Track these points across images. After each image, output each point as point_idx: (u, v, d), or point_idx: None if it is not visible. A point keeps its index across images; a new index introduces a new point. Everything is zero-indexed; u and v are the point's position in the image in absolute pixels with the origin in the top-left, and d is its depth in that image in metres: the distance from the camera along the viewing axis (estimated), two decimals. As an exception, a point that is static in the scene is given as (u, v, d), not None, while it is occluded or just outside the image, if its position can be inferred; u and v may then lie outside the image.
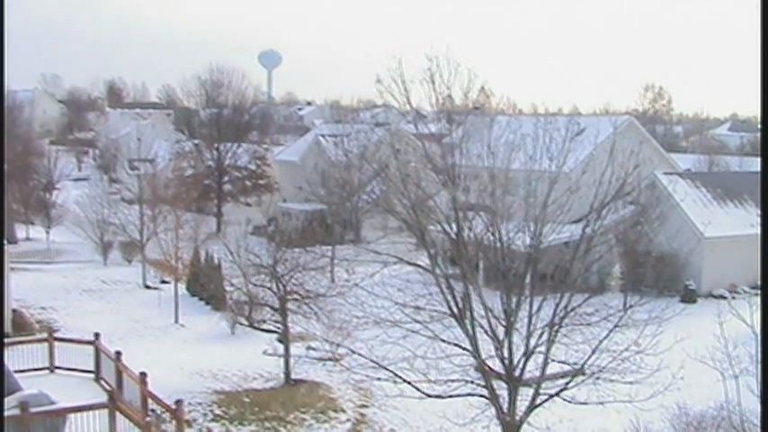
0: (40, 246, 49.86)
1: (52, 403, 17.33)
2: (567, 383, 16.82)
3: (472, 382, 17.21)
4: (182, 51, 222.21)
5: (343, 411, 22.92)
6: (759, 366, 10.72)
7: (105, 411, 17.14)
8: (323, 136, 62.04)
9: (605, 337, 16.22)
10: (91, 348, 22.43)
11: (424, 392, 17.23)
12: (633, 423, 17.62)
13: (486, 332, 16.70)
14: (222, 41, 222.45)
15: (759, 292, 21.82)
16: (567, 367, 17.25)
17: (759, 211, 34.99)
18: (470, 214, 17.86)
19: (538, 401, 16.78)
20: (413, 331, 17.19)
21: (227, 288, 31.29)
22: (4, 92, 40.64)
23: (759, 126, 79.85)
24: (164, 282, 39.13)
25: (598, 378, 16.48)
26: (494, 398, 16.87)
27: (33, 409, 16.32)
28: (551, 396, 16.83)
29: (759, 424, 10.69)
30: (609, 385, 16.60)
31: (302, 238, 35.34)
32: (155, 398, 18.70)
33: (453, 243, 17.62)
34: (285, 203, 61.84)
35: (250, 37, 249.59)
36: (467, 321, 16.91)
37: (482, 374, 17.18)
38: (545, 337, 16.41)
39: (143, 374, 18.97)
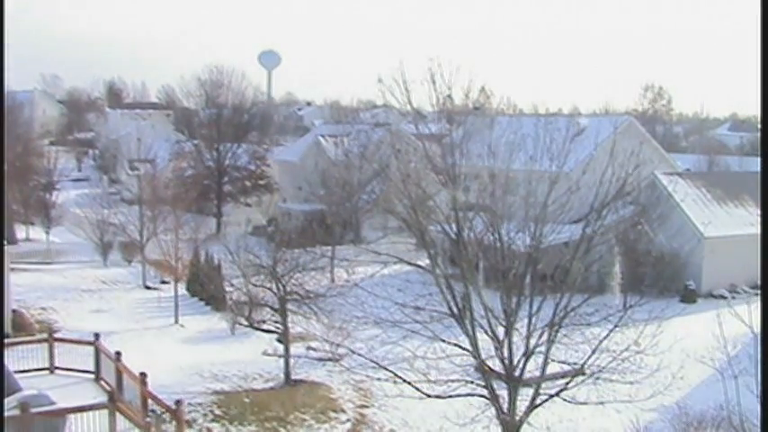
0: (40, 246, 49.79)
1: (52, 404, 17.34)
2: (567, 383, 16.84)
3: (472, 383, 17.22)
4: (182, 51, 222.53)
5: (343, 411, 22.93)
6: (759, 366, 10.71)
7: (105, 412, 17.13)
8: (323, 136, 62.05)
9: (605, 337, 16.24)
10: (91, 349, 22.42)
11: (424, 392, 17.25)
12: (633, 423, 17.65)
13: (486, 332, 16.71)
14: (222, 41, 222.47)
15: (759, 292, 21.80)
16: (567, 367, 17.27)
17: (759, 211, 35.00)
18: (470, 214, 17.87)
19: (538, 401, 16.79)
20: (413, 331, 17.20)
21: (227, 288, 31.29)
22: (4, 92, 40.58)
23: (759, 126, 79.79)
24: (164, 282, 39.10)
25: (598, 378, 16.50)
26: (494, 398, 16.89)
27: (33, 410, 16.32)
28: (551, 396, 16.85)
29: (759, 424, 10.68)
30: (609, 385, 16.62)
31: (302, 239, 35.30)
32: (155, 398, 18.70)
33: (453, 243, 17.64)
34: (285, 204, 61.85)
35: (250, 37, 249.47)
36: (467, 321, 16.92)
37: (482, 374, 17.20)
38: (545, 337, 16.42)
39: (143, 375, 18.96)
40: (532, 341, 16.48)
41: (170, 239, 34.90)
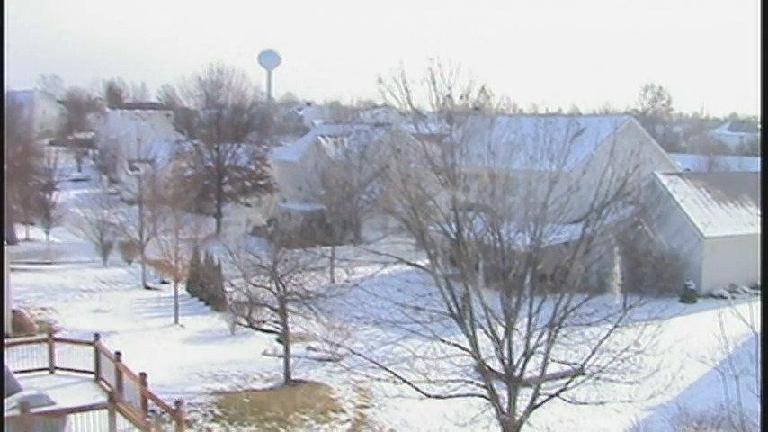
0: (40, 246, 49.78)
1: (52, 404, 17.37)
2: (567, 383, 16.83)
3: (472, 383, 17.21)
4: (182, 51, 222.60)
5: (343, 412, 22.92)
6: (759, 366, 10.71)
7: (105, 412, 17.15)
8: (323, 136, 62.03)
9: (605, 337, 16.23)
10: (91, 349, 22.44)
11: (423, 393, 17.24)
12: (633, 423, 17.64)
13: (486, 332, 16.70)
14: (222, 41, 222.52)
15: (759, 291, 21.80)
16: (566, 367, 17.26)
17: (759, 211, 35.02)
18: (470, 214, 17.86)
19: (538, 401, 16.78)
20: (413, 331, 17.20)
21: (227, 288, 31.29)
22: (4, 92, 40.59)
23: (759, 126, 79.83)
24: (163, 282, 39.11)
25: (598, 378, 16.49)
26: (494, 398, 16.88)
27: (33, 410, 16.33)
28: (551, 396, 16.84)
29: (759, 424, 10.68)
30: (609, 385, 16.61)
31: (302, 239, 35.31)
32: (154, 398, 18.71)
33: (453, 243, 17.62)
34: (285, 204, 61.83)
35: (250, 37, 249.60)
36: (467, 321, 16.92)
37: (482, 375, 17.18)
38: (545, 337, 16.41)
39: (143, 375, 18.97)
40: (532, 341, 16.47)
41: (170, 239, 34.90)
